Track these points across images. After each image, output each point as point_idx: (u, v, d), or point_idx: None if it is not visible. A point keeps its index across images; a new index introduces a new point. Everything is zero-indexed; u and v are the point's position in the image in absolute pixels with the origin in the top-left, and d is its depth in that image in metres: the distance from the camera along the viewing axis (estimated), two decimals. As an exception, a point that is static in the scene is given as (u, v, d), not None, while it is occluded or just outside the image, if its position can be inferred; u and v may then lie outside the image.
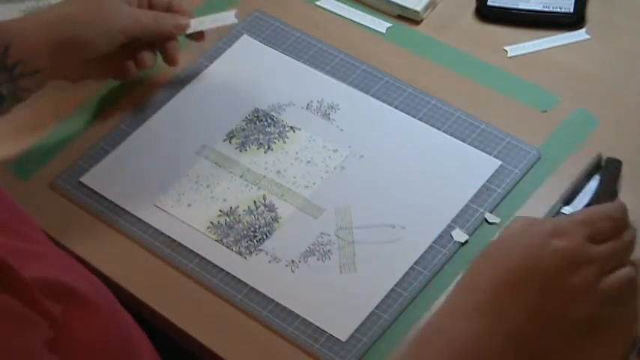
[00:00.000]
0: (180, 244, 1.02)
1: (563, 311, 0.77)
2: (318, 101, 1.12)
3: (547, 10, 1.16)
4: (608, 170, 0.95)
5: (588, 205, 0.93)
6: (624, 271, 0.79)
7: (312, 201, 1.03)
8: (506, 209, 1.01)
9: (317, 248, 1.00)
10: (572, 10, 1.16)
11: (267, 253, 1.00)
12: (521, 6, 1.17)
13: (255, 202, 1.04)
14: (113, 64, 1.11)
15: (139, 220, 1.04)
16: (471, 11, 1.19)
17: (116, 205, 1.05)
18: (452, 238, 0.99)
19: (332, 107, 1.11)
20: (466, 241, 0.99)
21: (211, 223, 1.02)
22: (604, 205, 0.83)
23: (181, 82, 1.15)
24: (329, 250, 0.99)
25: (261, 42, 1.18)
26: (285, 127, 1.10)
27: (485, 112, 1.09)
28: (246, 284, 0.98)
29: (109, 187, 1.07)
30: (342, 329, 0.94)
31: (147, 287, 0.99)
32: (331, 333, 0.94)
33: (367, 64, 1.14)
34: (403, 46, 1.16)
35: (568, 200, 0.96)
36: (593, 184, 0.96)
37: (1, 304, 0.64)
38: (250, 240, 1.01)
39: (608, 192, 0.93)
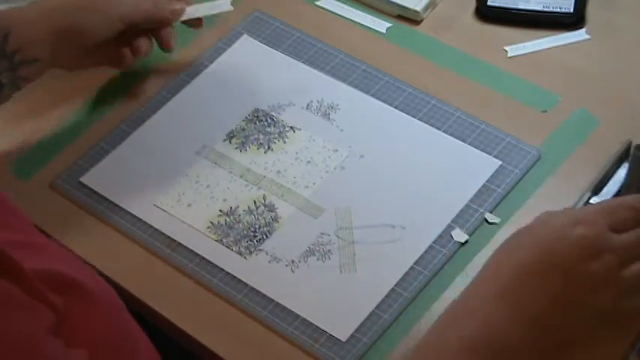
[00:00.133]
0: (180, 244, 1.02)
1: (585, 297, 0.76)
2: (318, 101, 1.12)
3: (547, 10, 1.16)
4: (636, 158, 0.94)
5: (617, 195, 0.93)
6: None
7: (312, 201, 1.03)
8: (506, 209, 1.01)
9: (317, 248, 1.00)
10: (572, 10, 1.16)
11: (267, 253, 1.00)
12: (521, 6, 1.17)
13: (255, 202, 1.04)
14: (110, 51, 1.11)
15: (139, 220, 1.04)
16: (471, 11, 1.19)
17: (116, 205, 1.05)
18: (452, 238, 0.99)
19: (332, 107, 1.11)
20: (466, 241, 0.99)
21: (211, 223, 1.02)
22: (627, 196, 0.83)
23: (181, 82, 1.15)
24: (329, 250, 0.99)
25: (261, 42, 1.18)
26: (285, 127, 1.10)
27: (485, 112, 1.09)
28: (246, 284, 0.98)
29: (109, 187, 1.07)
30: (342, 329, 0.94)
31: (147, 287, 0.99)
32: (331, 333, 0.94)
33: (367, 64, 1.14)
34: (403, 46, 1.16)
35: (597, 189, 0.96)
36: (622, 171, 0.96)
37: (1, 290, 0.64)
38: (250, 240, 1.01)
39: (636, 181, 0.93)
